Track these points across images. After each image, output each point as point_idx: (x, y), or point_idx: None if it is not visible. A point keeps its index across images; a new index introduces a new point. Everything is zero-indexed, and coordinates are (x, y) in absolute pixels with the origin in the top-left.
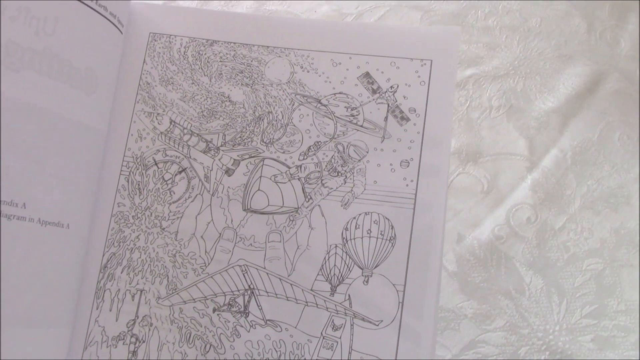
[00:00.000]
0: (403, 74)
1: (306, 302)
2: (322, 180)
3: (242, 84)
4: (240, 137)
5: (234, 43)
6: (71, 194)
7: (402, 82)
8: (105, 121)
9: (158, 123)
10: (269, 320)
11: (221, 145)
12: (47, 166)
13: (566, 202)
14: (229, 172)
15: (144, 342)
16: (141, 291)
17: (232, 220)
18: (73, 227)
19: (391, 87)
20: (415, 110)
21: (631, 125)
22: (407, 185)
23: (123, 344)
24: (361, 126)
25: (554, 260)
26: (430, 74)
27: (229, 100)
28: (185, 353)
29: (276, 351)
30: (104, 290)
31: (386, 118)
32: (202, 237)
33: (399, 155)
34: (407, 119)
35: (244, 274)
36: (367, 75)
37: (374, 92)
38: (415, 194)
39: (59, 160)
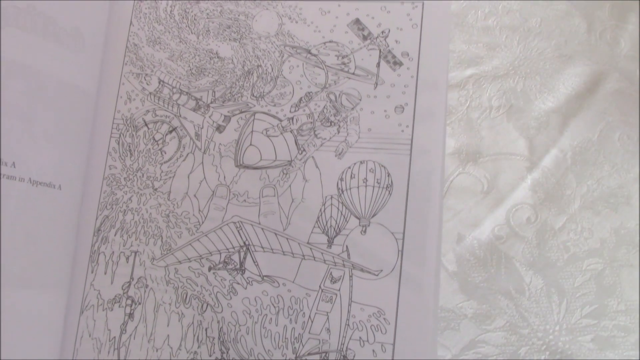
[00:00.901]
0: (394, 18)
1: (303, 255)
2: (314, 131)
3: (230, 39)
4: (230, 92)
5: None
6: (62, 155)
7: (394, 26)
8: (94, 83)
9: (147, 84)
10: (265, 276)
11: (211, 102)
12: (36, 125)
13: (566, 202)
14: (219, 128)
15: (139, 303)
16: (135, 253)
17: (224, 177)
18: (65, 188)
19: (382, 32)
20: (408, 54)
21: (631, 125)
22: (402, 131)
23: (119, 306)
24: (353, 74)
25: (554, 260)
26: (422, 16)
27: (217, 57)
28: (182, 313)
29: (274, 307)
30: (99, 254)
31: (378, 64)
32: (195, 195)
33: (393, 101)
34: (400, 64)
35: (238, 231)
36: (357, 21)
37: (364, 38)
38: (412, 140)
39: (49, 119)
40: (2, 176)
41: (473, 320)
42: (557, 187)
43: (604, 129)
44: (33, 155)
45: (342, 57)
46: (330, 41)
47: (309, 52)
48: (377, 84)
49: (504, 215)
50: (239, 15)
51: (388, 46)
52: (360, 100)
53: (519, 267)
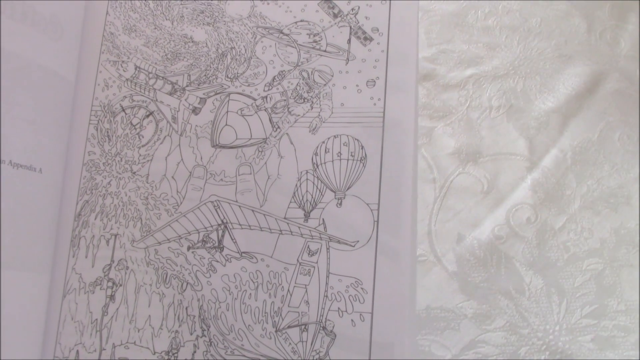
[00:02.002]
0: None
1: (280, 230)
2: (288, 108)
3: (203, 23)
4: (205, 75)
5: None
6: (42, 139)
7: (363, 3)
8: (72, 70)
9: (123, 70)
10: (244, 252)
11: (187, 86)
12: (16, 108)
13: (566, 202)
14: (195, 110)
15: (120, 285)
16: (115, 236)
17: (201, 158)
18: (46, 172)
19: (352, 9)
20: (378, 30)
21: (631, 125)
22: (374, 104)
23: (100, 289)
24: (324, 51)
25: (554, 260)
26: None
27: (192, 41)
28: (163, 293)
29: (253, 282)
30: (79, 238)
31: (349, 40)
32: (172, 177)
33: (365, 76)
34: (371, 39)
35: (216, 209)
36: (327, 0)
37: (335, 16)
38: (384, 111)
39: (28, 103)
40: None
41: (473, 320)
42: (557, 187)
43: (604, 129)
44: (13, 138)
45: (314, 36)
46: (302, 20)
47: (281, 32)
48: (348, 60)
49: (504, 215)
50: (212, 0)
51: (358, 22)
52: (332, 76)
53: (519, 267)
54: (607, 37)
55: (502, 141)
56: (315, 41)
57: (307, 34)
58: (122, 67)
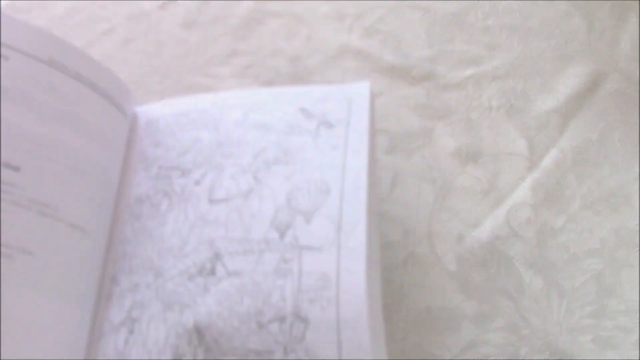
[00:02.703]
0: None
1: (260, 250)
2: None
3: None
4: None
5: None
6: (94, 207)
7: None
8: (114, 169)
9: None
10: (232, 272)
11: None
12: (79, 185)
13: (566, 202)
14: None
15: (137, 320)
16: (136, 285)
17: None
18: (94, 234)
19: None
20: None
21: (631, 125)
22: None
23: (124, 327)
24: None
25: (554, 260)
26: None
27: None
28: (166, 318)
29: (238, 293)
30: (112, 294)
31: None
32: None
33: None
34: None
35: (210, 245)
36: None
37: None
38: None
39: (87, 182)
40: (48, 216)
41: (473, 320)
42: (557, 187)
43: (604, 129)
44: (71, 199)
45: None
46: None
47: None
48: None
49: (504, 215)
50: None
51: None
52: None
53: (519, 267)
54: (607, 37)
55: (502, 141)
56: None
57: None
58: (149, 170)
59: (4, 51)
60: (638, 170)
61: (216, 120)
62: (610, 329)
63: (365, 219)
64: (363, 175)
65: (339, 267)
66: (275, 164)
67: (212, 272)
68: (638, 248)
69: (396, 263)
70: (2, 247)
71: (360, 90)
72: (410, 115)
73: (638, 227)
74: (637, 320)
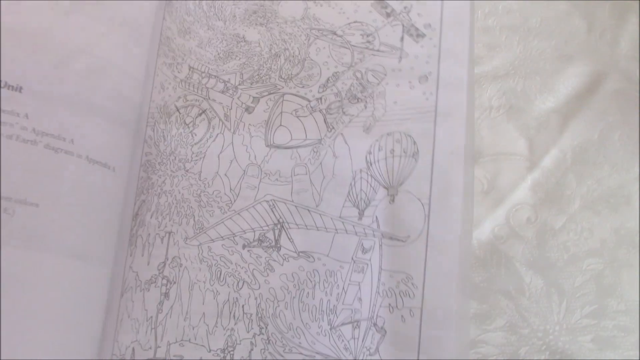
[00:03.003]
0: None
1: (336, 229)
2: (342, 108)
3: (256, 23)
4: (257, 74)
5: None
6: (118, 139)
7: (415, 1)
8: (142, 72)
9: (178, 72)
10: (301, 252)
11: (239, 84)
12: (95, 108)
13: (566, 202)
14: (248, 109)
15: (174, 282)
16: (169, 233)
17: (255, 157)
18: (118, 170)
19: (405, 7)
20: (430, 26)
21: (631, 125)
22: (427, 99)
23: (155, 286)
24: (377, 50)
25: (554, 260)
26: None
27: (244, 41)
28: (217, 291)
29: (310, 281)
30: (137, 237)
31: (402, 38)
32: (225, 174)
33: (417, 72)
34: (423, 35)
35: (272, 209)
36: (380, 0)
37: (388, 15)
38: (436, 105)
39: (107, 104)
40: (60, 151)
41: (473, 320)
42: (557, 187)
43: (604, 129)
44: (91, 134)
45: (367, 36)
46: (355, 21)
47: (335, 33)
48: (401, 58)
49: (504, 216)
50: (264, 0)
51: (410, 20)
52: (385, 75)
53: (519, 267)
54: (607, 37)
55: (502, 141)
56: (368, 41)
57: (361, 35)
58: (177, 68)
59: None
60: (638, 170)
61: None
62: (610, 329)
63: (462, 197)
64: (461, 128)
65: (427, 267)
66: (352, 98)
67: (276, 244)
68: (638, 248)
69: None
70: (1, 200)
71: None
72: None
73: (638, 227)
74: (637, 320)
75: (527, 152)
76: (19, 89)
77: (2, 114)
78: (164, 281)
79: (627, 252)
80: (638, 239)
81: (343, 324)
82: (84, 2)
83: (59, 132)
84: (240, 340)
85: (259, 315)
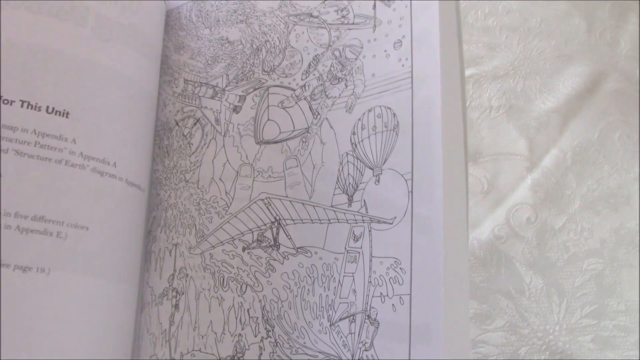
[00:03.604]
0: None
1: (329, 219)
2: (325, 92)
3: (237, 21)
4: (242, 72)
5: None
6: (145, 159)
7: None
8: (156, 84)
9: (175, 86)
10: (299, 247)
11: (226, 86)
12: (131, 130)
13: (566, 202)
14: (236, 109)
15: (183, 293)
16: (176, 245)
17: (247, 156)
18: (145, 191)
19: None
20: None
21: (631, 125)
22: (402, 65)
23: (167, 299)
24: (352, 24)
25: (554, 260)
26: None
27: (228, 42)
28: (221, 297)
29: (310, 277)
30: (150, 253)
31: (374, 5)
32: (220, 179)
33: (391, 38)
34: None
35: (267, 207)
36: None
37: None
38: (412, 70)
39: (139, 125)
40: (105, 174)
41: (473, 320)
42: (557, 187)
43: (604, 129)
44: (129, 158)
45: (341, 11)
46: None
47: (311, 15)
48: (375, 26)
49: (504, 215)
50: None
51: None
52: (362, 47)
53: (519, 267)
54: (607, 37)
55: (502, 141)
56: (343, 16)
57: (335, 11)
58: (175, 84)
59: None
60: (638, 170)
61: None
62: (610, 329)
63: (441, 169)
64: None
65: (413, 248)
66: (332, 79)
67: (275, 243)
68: (638, 248)
69: None
70: (50, 223)
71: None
72: None
73: (638, 227)
74: (637, 320)
75: (527, 152)
76: (66, 115)
77: (51, 139)
78: (174, 293)
79: (627, 252)
80: (638, 239)
81: (341, 319)
82: (120, 30)
83: (104, 155)
84: (248, 346)
85: (265, 317)
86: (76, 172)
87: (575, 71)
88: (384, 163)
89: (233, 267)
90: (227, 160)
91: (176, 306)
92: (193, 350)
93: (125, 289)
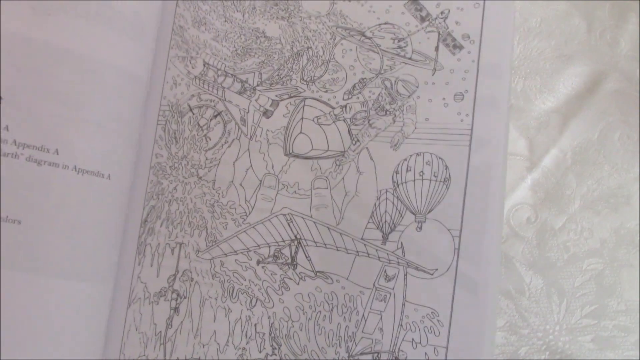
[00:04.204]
0: None
1: (357, 251)
2: (369, 120)
3: (277, 17)
4: (277, 75)
5: None
6: (114, 144)
7: (454, 6)
8: (147, 68)
9: (192, 67)
10: (319, 271)
11: (257, 85)
12: (84, 113)
13: (566, 202)
14: (267, 113)
15: (185, 297)
16: (180, 244)
17: (273, 166)
18: (114, 178)
19: (442, 12)
20: (469, 37)
21: (631, 125)
22: (461, 120)
23: (164, 300)
24: (410, 59)
25: (554, 260)
26: None
27: (264, 36)
28: (229, 308)
29: (328, 303)
30: (145, 245)
31: (437, 48)
32: (240, 184)
33: (453, 88)
34: (461, 47)
35: (289, 224)
36: (414, 1)
37: (422, 19)
38: (472, 129)
39: (99, 107)
40: (44, 163)
41: None
42: (557, 187)
43: (604, 129)
44: (79, 143)
45: (399, 41)
46: (386, 23)
47: (363, 34)
48: (435, 70)
49: (504, 215)
50: None
51: (447, 28)
52: (417, 87)
53: (519, 267)
54: (607, 37)
55: None
56: (400, 47)
57: (392, 39)
58: (190, 63)
59: None
60: (638, 170)
61: None
62: (610, 329)
63: (497, 234)
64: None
65: (454, 304)
66: (379, 110)
67: (292, 262)
68: (638, 248)
69: None
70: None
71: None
72: None
73: (638, 227)
74: (637, 320)
75: (527, 152)
76: None
77: None
78: (174, 295)
79: (627, 252)
80: (638, 239)
81: (362, 354)
82: (65, 2)
83: (42, 142)
84: None
85: (272, 335)
86: (7, 162)
87: (575, 71)
88: (428, 212)
89: (245, 279)
90: (251, 166)
91: (176, 309)
92: (192, 358)
93: (87, 285)
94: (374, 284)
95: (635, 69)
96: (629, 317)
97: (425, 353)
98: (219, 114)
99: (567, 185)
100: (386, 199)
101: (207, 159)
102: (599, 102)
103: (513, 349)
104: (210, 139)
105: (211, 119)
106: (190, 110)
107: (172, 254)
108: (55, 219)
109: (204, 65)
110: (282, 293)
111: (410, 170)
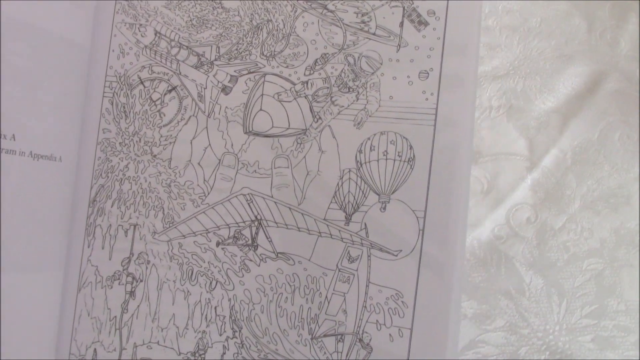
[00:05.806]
0: None
1: (319, 232)
2: (331, 97)
3: None
4: (236, 49)
5: None
6: (62, 122)
7: None
8: (88, 35)
9: (141, 35)
10: (280, 253)
11: (215, 60)
12: (38, 93)
13: (566, 202)
14: (225, 89)
15: (141, 281)
16: (134, 226)
17: (232, 145)
18: (65, 160)
19: None
20: (434, 13)
21: (631, 125)
22: (426, 99)
23: (119, 284)
24: (373, 34)
25: (554, 260)
26: None
27: (222, 7)
28: (188, 291)
29: (290, 285)
30: (95, 227)
31: (402, 23)
32: (199, 163)
33: (417, 66)
34: (426, 23)
35: (249, 204)
36: None
37: None
38: (437, 109)
39: (50, 85)
40: (1, 151)
41: (473, 320)
42: (557, 187)
43: (604, 129)
44: (34, 126)
45: (362, 15)
46: None
47: (326, 7)
48: (399, 46)
49: (504, 215)
50: None
51: (413, 3)
52: (381, 64)
53: (519, 267)
54: (607, 37)
55: (502, 141)
56: (363, 22)
57: (355, 13)
58: (139, 31)
59: None
60: (638, 170)
61: None
62: (610, 329)
63: (462, 215)
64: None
65: (419, 285)
66: (342, 86)
67: (253, 243)
68: (638, 248)
69: None
70: None
71: None
72: None
73: (638, 227)
74: (637, 320)
75: (527, 152)
76: None
77: None
78: (129, 279)
79: (627, 252)
80: (638, 239)
81: (325, 335)
82: None
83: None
84: (212, 344)
85: (233, 317)
86: None
87: (575, 71)
88: (393, 192)
89: (204, 261)
90: (210, 144)
91: (131, 293)
92: (150, 342)
93: (41, 273)
94: (337, 265)
95: (635, 69)
96: (629, 317)
97: (390, 335)
98: (174, 88)
99: (567, 185)
100: (349, 178)
101: (161, 136)
102: (599, 102)
103: (513, 349)
104: (164, 115)
105: (165, 94)
106: (142, 82)
107: (126, 236)
108: (11, 211)
109: (155, 35)
110: (243, 275)
111: (373, 149)
